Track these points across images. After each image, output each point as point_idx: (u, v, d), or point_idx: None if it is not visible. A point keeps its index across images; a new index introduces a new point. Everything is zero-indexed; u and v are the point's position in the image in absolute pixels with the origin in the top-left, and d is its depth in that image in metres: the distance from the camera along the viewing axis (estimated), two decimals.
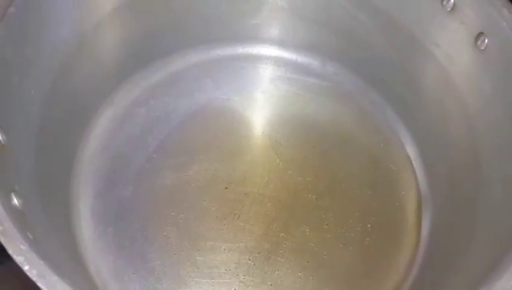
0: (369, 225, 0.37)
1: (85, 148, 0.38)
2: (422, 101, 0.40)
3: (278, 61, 0.45)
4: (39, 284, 0.20)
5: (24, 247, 0.20)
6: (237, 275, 0.34)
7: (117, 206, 0.36)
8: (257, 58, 0.45)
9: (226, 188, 0.38)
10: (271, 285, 0.34)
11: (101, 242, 0.35)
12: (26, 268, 0.20)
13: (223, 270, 0.35)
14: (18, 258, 0.20)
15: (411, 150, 0.41)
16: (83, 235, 0.35)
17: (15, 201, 0.24)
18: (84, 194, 0.37)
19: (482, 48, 0.33)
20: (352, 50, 0.43)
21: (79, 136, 0.38)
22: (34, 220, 0.25)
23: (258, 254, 0.35)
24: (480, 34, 0.33)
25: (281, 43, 0.44)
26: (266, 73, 0.44)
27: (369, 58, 0.42)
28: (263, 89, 0.44)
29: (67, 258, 0.28)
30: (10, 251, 0.20)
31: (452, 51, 0.36)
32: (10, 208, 0.23)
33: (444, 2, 0.35)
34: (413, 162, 0.41)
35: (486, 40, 0.33)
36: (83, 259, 0.33)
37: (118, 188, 0.37)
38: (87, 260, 0.34)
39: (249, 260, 0.35)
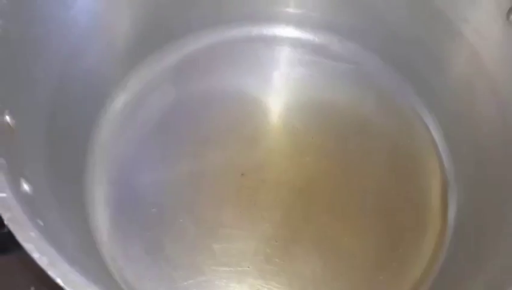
0: (391, 213, 0.36)
1: (98, 133, 0.37)
2: (448, 82, 0.38)
3: (295, 43, 0.43)
4: (50, 273, 0.19)
5: (34, 234, 0.19)
6: (254, 264, 0.34)
7: (132, 194, 0.36)
8: (273, 40, 0.43)
9: (243, 174, 0.37)
10: (289, 274, 0.33)
11: (116, 230, 0.34)
12: (36, 256, 0.19)
13: (240, 259, 0.34)
14: (27, 246, 0.19)
15: (435, 133, 0.39)
16: (98, 222, 0.34)
17: (25, 187, 0.23)
18: (99, 181, 0.36)
19: None
20: (372, 29, 0.41)
21: (92, 121, 0.37)
22: (45, 207, 0.24)
23: (276, 242, 0.34)
24: None
25: (298, 23, 0.43)
26: (282, 55, 0.43)
27: (390, 37, 0.40)
28: (279, 72, 0.42)
29: (80, 246, 0.28)
30: (19, 238, 0.19)
31: (482, 27, 0.34)
32: (19, 194, 0.22)
33: None
34: (438, 146, 0.39)
35: None
36: (97, 247, 0.33)
37: (132, 175, 0.36)
38: (102, 248, 0.33)
39: (267, 248, 0.34)
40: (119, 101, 0.39)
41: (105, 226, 0.34)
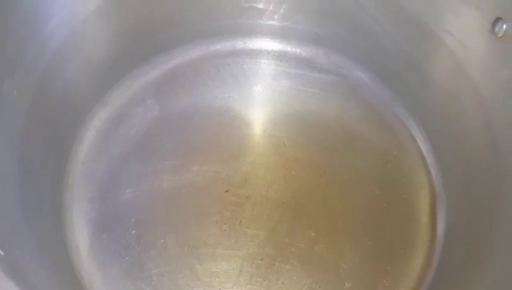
0: (379, 227, 0.35)
1: (78, 151, 0.37)
2: (434, 94, 0.38)
3: (280, 56, 0.43)
4: None
5: None
6: (239, 284, 0.33)
7: (113, 212, 0.35)
8: (258, 53, 0.42)
9: (227, 191, 0.36)
10: None
11: (95, 250, 0.33)
12: None
13: (224, 279, 0.33)
14: None
15: (423, 146, 0.39)
16: (76, 243, 0.33)
17: None
18: (78, 199, 0.35)
19: (500, 34, 0.31)
20: (358, 41, 0.40)
21: (71, 139, 0.36)
22: (15, 233, 0.23)
23: (261, 260, 0.33)
24: (497, 20, 0.31)
25: (283, 36, 0.42)
26: (268, 68, 0.42)
27: (376, 49, 0.40)
28: (265, 86, 0.41)
29: (55, 273, 0.26)
30: None
31: (466, 39, 0.34)
32: None
33: None
34: (426, 159, 0.38)
35: (504, 26, 0.31)
36: (75, 270, 0.32)
37: (113, 193, 0.35)
38: (80, 270, 0.32)
39: (252, 267, 0.33)
40: (101, 117, 0.38)
41: (83, 246, 0.33)
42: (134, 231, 0.34)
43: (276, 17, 0.42)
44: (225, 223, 0.35)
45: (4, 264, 0.18)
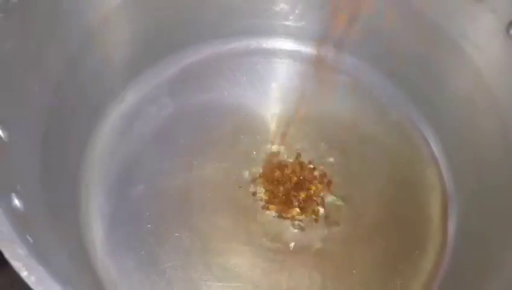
0: (391, 228, 0.36)
1: (94, 146, 0.37)
2: (448, 97, 0.38)
3: (294, 56, 0.43)
4: None
5: (22, 251, 0.19)
6: (251, 279, 0.33)
7: (127, 207, 0.35)
8: (272, 53, 0.43)
9: (240, 187, 0.36)
10: (286, 289, 0.33)
11: (110, 244, 0.34)
12: (24, 274, 0.18)
13: (236, 274, 0.33)
14: (15, 264, 0.19)
15: (436, 148, 0.39)
16: (92, 236, 0.34)
17: (16, 202, 0.23)
18: (94, 194, 0.35)
19: None
20: (371, 43, 0.41)
21: (88, 134, 0.37)
22: (37, 223, 0.24)
23: (274, 256, 0.34)
24: None
25: (297, 37, 0.43)
26: (281, 68, 0.43)
27: (390, 51, 0.40)
28: (278, 85, 0.42)
29: (73, 262, 0.27)
30: (7, 255, 0.19)
31: (482, 42, 0.34)
32: (10, 210, 0.21)
33: None
34: (438, 161, 0.39)
35: None
36: (91, 262, 0.32)
37: (128, 188, 0.36)
38: (96, 263, 0.33)
39: (264, 263, 0.34)
40: (116, 114, 0.39)
41: (99, 239, 0.34)
42: (149, 225, 0.34)
43: (291, 17, 0.42)
44: (238, 219, 0.35)
45: (33, 251, 0.19)
